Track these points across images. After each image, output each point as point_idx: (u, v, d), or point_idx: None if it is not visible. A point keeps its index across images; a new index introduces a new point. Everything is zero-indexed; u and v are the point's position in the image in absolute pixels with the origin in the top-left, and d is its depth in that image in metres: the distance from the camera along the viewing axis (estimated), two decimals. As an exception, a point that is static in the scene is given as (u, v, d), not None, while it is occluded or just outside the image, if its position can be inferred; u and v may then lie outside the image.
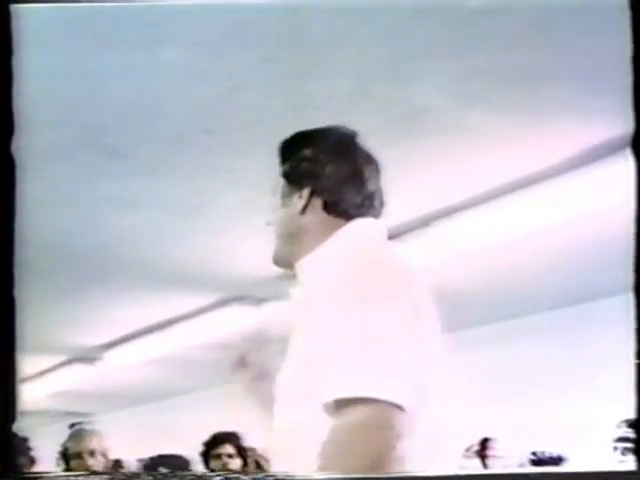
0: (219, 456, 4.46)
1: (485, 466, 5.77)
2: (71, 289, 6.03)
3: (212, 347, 7.08)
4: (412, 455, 1.48)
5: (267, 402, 1.82)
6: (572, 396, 5.99)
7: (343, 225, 1.72)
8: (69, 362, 8.72)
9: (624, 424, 4.58)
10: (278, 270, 1.85)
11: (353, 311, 1.52)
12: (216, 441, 4.45)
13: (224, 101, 3.38)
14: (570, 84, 3.22)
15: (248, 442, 4.46)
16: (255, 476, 1.72)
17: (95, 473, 3.88)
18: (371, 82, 3.25)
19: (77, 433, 4.30)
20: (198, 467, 4.78)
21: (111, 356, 8.14)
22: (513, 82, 3.20)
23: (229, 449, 4.43)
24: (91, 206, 4.53)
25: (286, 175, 1.77)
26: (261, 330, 1.93)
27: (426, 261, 4.29)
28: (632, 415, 1.72)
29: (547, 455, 5.77)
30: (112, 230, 4.92)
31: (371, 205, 1.75)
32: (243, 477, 1.84)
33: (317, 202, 1.74)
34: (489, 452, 5.86)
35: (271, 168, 1.82)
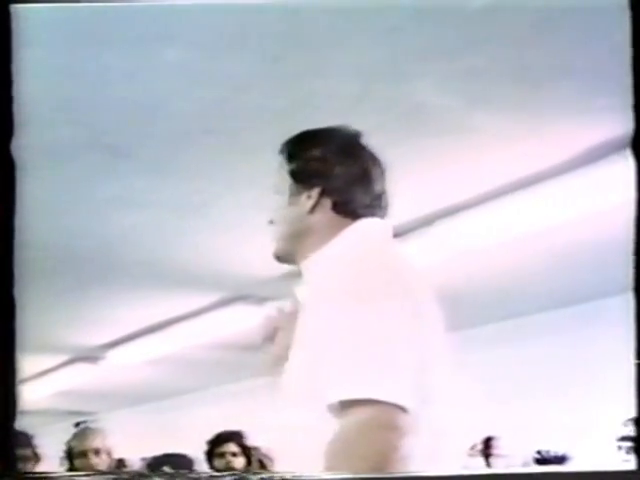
0: (223, 455, 4.46)
1: (489, 465, 5.77)
2: (73, 288, 6.04)
3: (214, 347, 7.09)
4: (416, 454, 1.49)
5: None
6: (575, 395, 5.99)
7: (350, 225, 1.73)
8: (71, 362, 8.73)
9: (630, 423, 4.57)
10: (281, 269, 1.85)
11: (356, 312, 1.52)
12: (220, 440, 4.46)
13: (226, 101, 3.38)
14: (571, 84, 3.22)
15: (251, 441, 4.47)
16: (263, 476, 1.72)
17: (112, 473, 3.88)
18: (373, 82, 3.24)
19: (81, 432, 4.30)
20: (202, 466, 4.79)
21: (113, 356, 8.14)
22: (514, 82, 3.20)
23: (233, 448, 4.43)
24: (92, 206, 4.53)
25: (294, 174, 1.76)
26: (293, 312, 1.88)
27: (427, 261, 4.28)
28: (634, 414, 1.72)
29: (551, 454, 5.77)
30: (114, 230, 4.92)
31: (378, 205, 1.76)
32: (252, 477, 1.84)
33: (326, 202, 1.74)
34: (493, 451, 5.86)
35: (273, 168, 1.82)
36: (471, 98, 3.34)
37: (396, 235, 1.79)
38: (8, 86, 1.66)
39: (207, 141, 3.72)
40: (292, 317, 1.81)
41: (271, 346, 1.90)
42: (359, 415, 1.45)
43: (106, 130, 3.63)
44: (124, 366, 8.34)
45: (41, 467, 4.39)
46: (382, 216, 1.76)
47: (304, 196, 1.74)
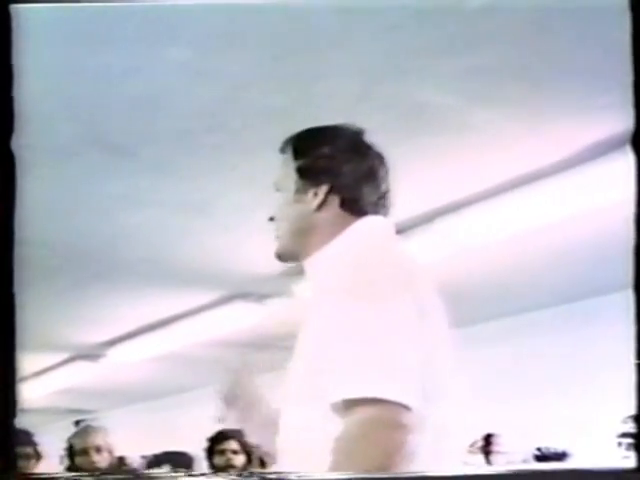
0: (223, 452, 4.46)
1: (489, 462, 5.78)
2: (73, 287, 6.04)
3: (215, 344, 7.10)
4: (418, 452, 1.48)
5: (259, 428, 1.88)
6: (575, 392, 6.00)
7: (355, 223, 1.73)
8: (72, 360, 8.73)
9: (630, 420, 4.58)
10: (281, 267, 1.85)
11: (360, 310, 1.52)
12: (220, 437, 4.45)
13: (228, 100, 3.38)
14: (571, 82, 3.22)
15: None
16: (265, 476, 1.72)
17: (113, 473, 3.88)
18: (375, 81, 3.25)
19: (83, 430, 4.31)
20: (202, 464, 4.79)
21: (114, 353, 8.14)
22: (515, 80, 3.20)
23: (233, 445, 4.42)
24: (92, 204, 4.53)
25: (300, 171, 1.75)
26: (246, 361, 1.92)
27: (429, 257, 4.28)
28: (634, 411, 1.72)
29: (551, 451, 5.78)
30: (114, 228, 4.92)
31: (383, 204, 1.76)
32: (253, 478, 1.84)
33: (334, 199, 1.73)
34: (493, 448, 5.87)
35: (275, 166, 1.81)
36: (472, 96, 3.34)
37: (398, 232, 1.79)
38: (8, 85, 1.66)
39: (208, 140, 3.72)
40: (243, 370, 1.86)
41: (235, 405, 1.94)
42: (363, 414, 1.44)
43: (106, 129, 3.63)
44: (125, 364, 8.34)
45: (42, 465, 4.39)
46: (386, 214, 1.76)
47: (311, 193, 1.74)
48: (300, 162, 1.76)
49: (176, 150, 3.83)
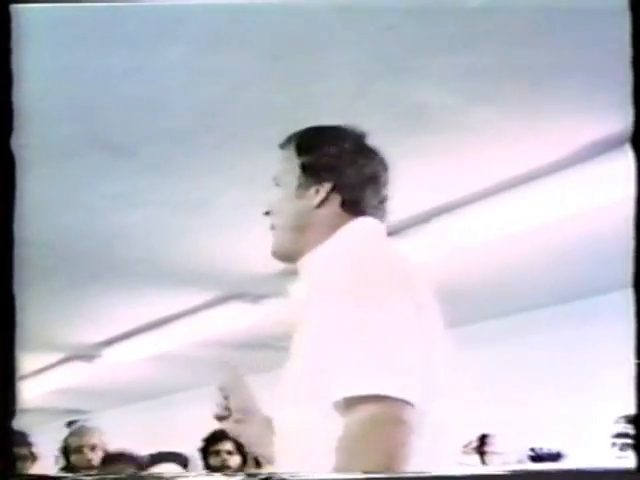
0: (218, 453, 4.46)
1: (484, 462, 5.78)
2: (70, 287, 6.04)
3: (211, 344, 7.09)
4: (415, 452, 1.48)
5: (254, 438, 1.88)
6: (571, 392, 6.00)
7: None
8: (68, 360, 8.72)
9: (622, 420, 4.59)
10: (277, 267, 1.85)
11: (358, 307, 1.52)
12: (215, 438, 4.45)
13: (226, 100, 3.38)
14: (570, 81, 3.22)
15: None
16: (263, 477, 1.72)
17: (108, 473, 3.88)
18: (373, 80, 3.25)
19: (77, 429, 4.31)
20: (197, 464, 4.78)
21: (110, 354, 8.13)
22: (513, 80, 3.20)
23: (228, 446, 4.42)
24: (90, 204, 4.53)
25: (304, 167, 1.75)
26: (236, 375, 1.92)
27: (425, 257, 4.29)
28: (631, 411, 1.72)
29: (546, 451, 5.78)
30: (112, 228, 4.92)
31: (383, 208, 1.77)
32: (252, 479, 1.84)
33: (336, 198, 1.74)
34: (488, 448, 5.86)
35: (273, 166, 1.81)
36: (470, 96, 3.34)
37: (395, 232, 1.80)
38: (8, 85, 1.66)
39: (207, 139, 3.72)
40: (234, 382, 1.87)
41: (228, 417, 1.93)
42: (366, 411, 1.44)
43: (106, 129, 3.63)
44: (121, 364, 8.33)
45: (37, 466, 4.39)
46: (382, 219, 1.77)
47: (312, 190, 1.74)
48: (304, 158, 1.76)
49: (175, 150, 3.83)
